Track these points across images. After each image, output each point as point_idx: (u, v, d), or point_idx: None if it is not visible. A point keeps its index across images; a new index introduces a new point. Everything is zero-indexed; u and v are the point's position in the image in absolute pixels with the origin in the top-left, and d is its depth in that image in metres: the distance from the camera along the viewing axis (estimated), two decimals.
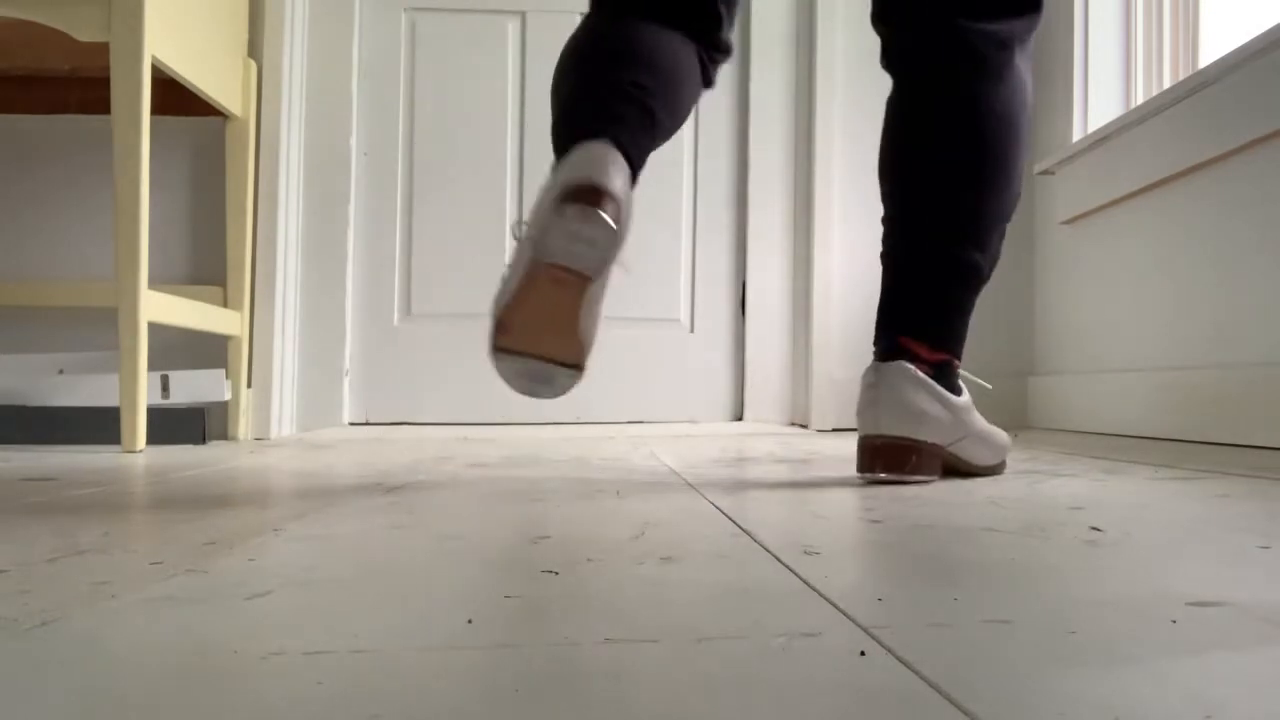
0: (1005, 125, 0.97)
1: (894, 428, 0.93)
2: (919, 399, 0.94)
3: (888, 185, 1.02)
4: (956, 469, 1.01)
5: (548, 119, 2.21)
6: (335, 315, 2.12)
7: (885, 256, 1.01)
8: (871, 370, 0.96)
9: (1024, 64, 1.00)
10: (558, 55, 2.20)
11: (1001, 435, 1.04)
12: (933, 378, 0.97)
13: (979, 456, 1.01)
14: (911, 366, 0.95)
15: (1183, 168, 1.61)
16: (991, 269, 1.01)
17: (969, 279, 0.99)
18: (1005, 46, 0.98)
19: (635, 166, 0.89)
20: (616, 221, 0.82)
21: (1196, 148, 1.57)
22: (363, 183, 2.18)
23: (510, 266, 0.86)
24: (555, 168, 0.87)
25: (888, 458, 0.93)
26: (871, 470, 0.94)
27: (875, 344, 1.00)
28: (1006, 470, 1.07)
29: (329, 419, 2.12)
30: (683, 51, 0.98)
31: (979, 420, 1.01)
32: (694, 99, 1.00)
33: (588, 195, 0.81)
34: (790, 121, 2.21)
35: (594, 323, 0.86)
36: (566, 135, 0.89)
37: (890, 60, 1.03)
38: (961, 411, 0.98)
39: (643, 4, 0.98)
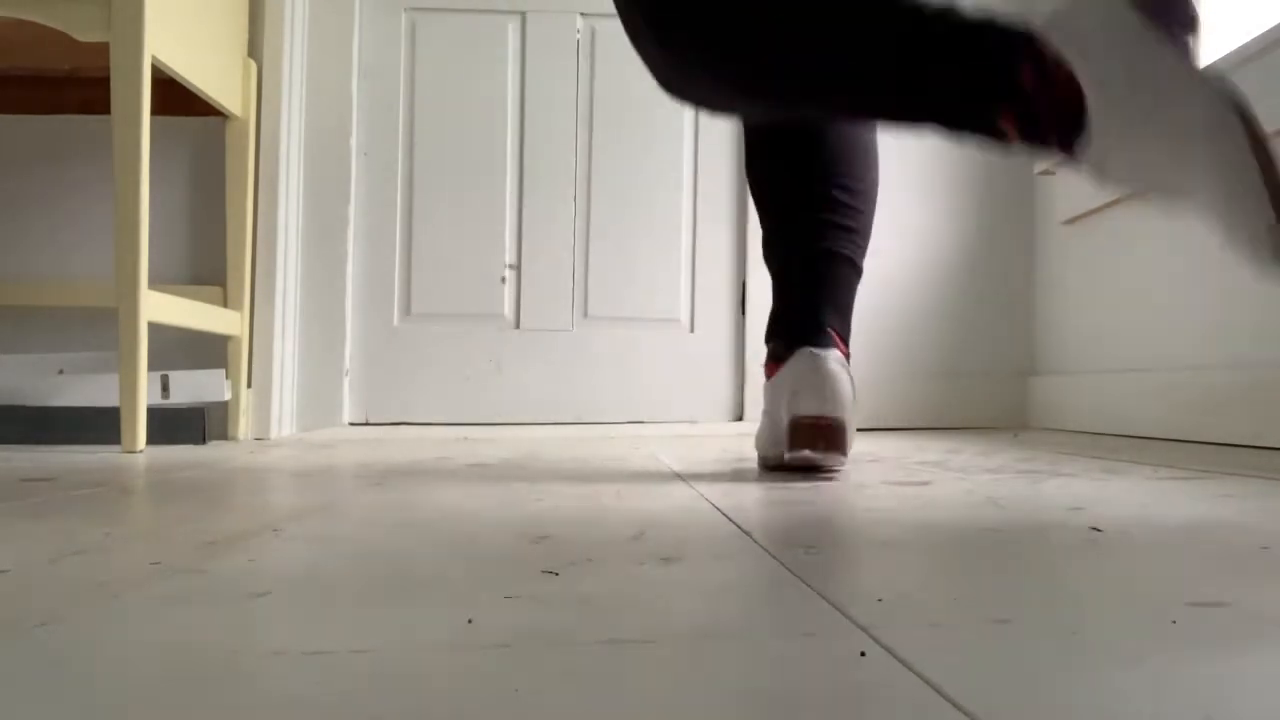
0: (876, 162, 1.19)
1: (837, 410, 0.97)
2: (846, 385, 1.01)
3: (833, 204, 1.14)
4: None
5: (548, 119, 2.21)
6: (335, 315, 2.12)
7: (823, 256, 1.12)
8: (812, 355, 1.00)
9: None
10: (557, 55, 2.18)
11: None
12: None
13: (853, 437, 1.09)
14: (839, 354, 1.04)
15: None
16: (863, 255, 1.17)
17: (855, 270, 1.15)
18: None
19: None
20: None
21: None
22: (363, 183, 2.18)
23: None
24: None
25: (831, 436, 0.96)
26: (813, 446, 0.96)
27: (799, 332, 1.05)
28: (1006, 470, 1.07)
29: (329, 419, 2.12)
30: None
31: None
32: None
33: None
34: None
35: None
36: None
37: None
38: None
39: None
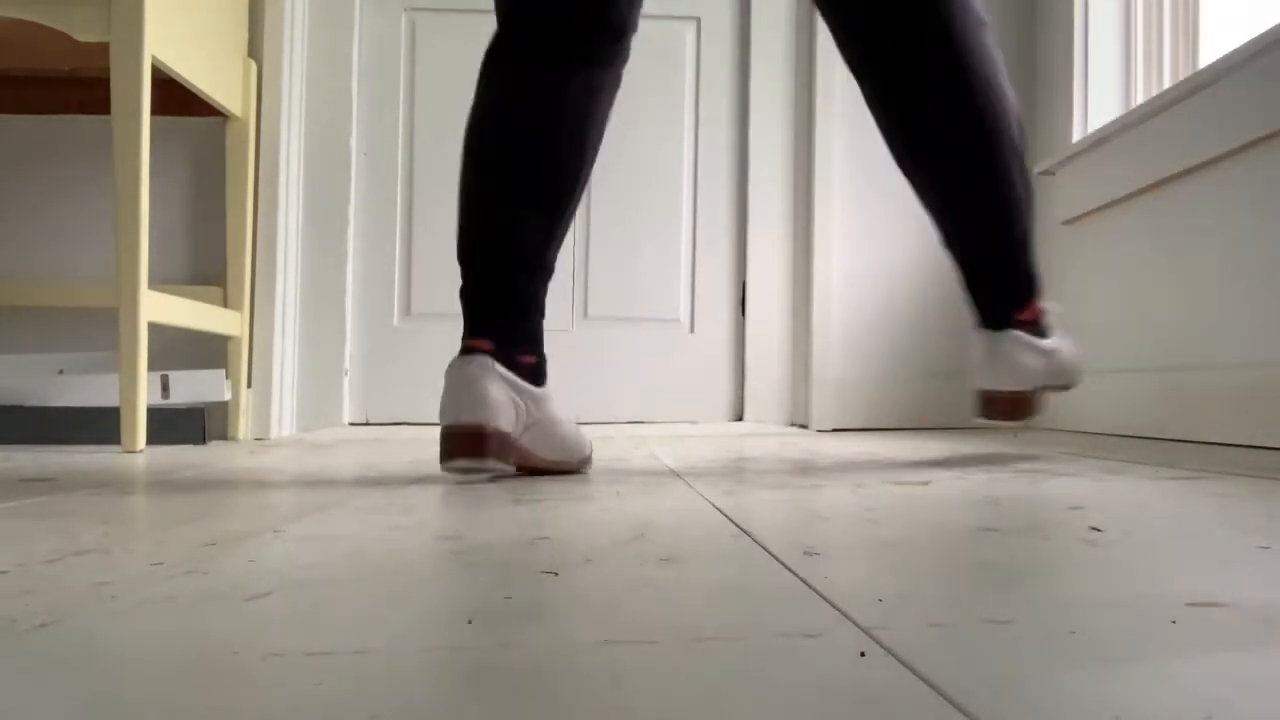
0: (990, 96, 1.08)
1: (1008, 383, 1.13)
2: (1028, 357, 1.15)
3: (917, 177, 1.14)
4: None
5: None
6: (335, 315, 2.12)
7: (957, 251, 1.16)
8: (985, 337, 1.15)
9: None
10: None
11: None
12: (1032, 332, 1.17)
13: (1055, 381, 1.21)
14: (1018, 333, 1.14)
15: (1183, 168, 1.61)
16: (1033, 212, 1.15)
17: (1019, 219, 1.13)
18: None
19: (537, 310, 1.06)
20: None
21: (1196, 148, 1.57)
22: (363, 183, 2.18)
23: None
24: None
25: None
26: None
27: (979, 316, 1.17)
28: (1006, 470, 1.07)
29: (329, 419, 2.12)
30: (590, 112, 1.06)
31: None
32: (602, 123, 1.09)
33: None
34: (790, 122, 2.21)
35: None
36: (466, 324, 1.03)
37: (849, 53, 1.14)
38: (1056, 356, 1.20)
39: (541, 55, 1.03)
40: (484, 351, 0.99)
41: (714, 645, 0.35)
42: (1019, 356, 1.13)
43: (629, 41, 1.09)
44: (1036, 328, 1.17)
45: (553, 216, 1.05)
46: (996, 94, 1.08)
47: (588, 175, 1.09)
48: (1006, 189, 1.09)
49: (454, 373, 0.98)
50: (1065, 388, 1.23)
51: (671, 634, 0.37)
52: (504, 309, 1.03)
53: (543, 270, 1.06)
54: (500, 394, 0.98)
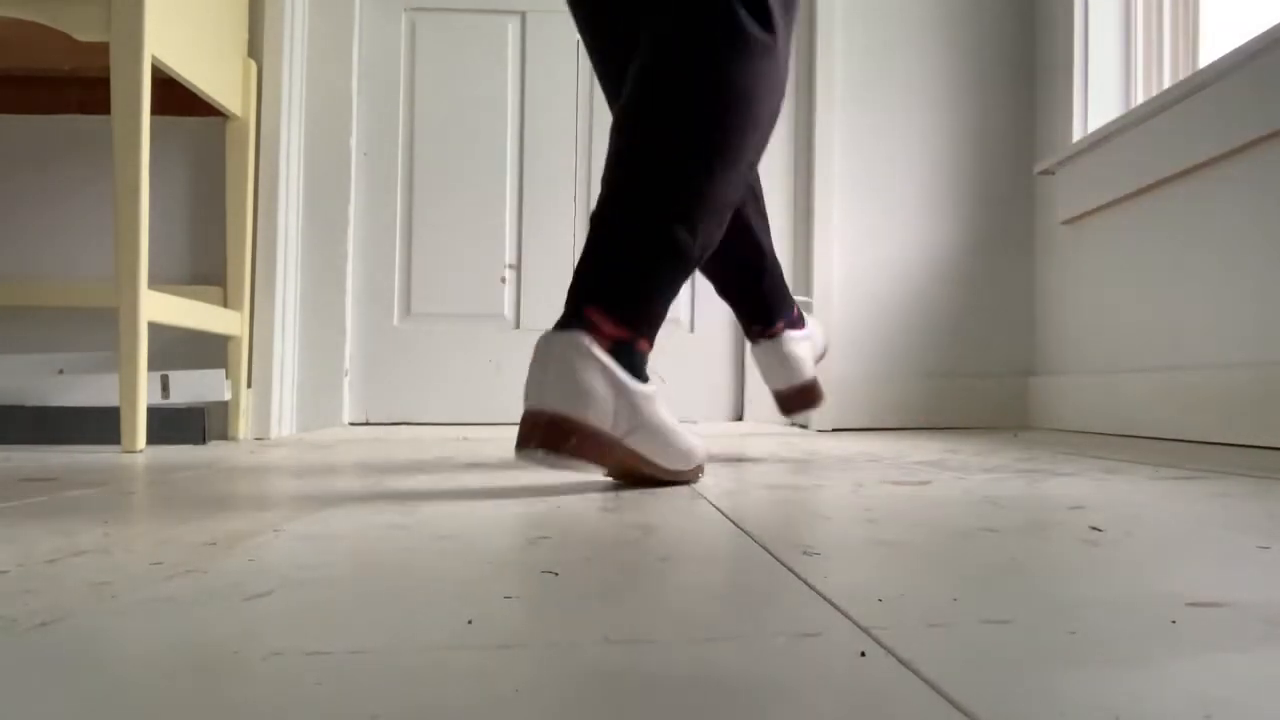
0: (744, 103, 0.90)
1: (557, 403, 0.82)
2: (587, 375, 0.83)
3: (613, 145, 0.92)
4: (633, 468, 0.89)
5: (548, 119, 2.21)
6: (335, 315, 2.12)
7: (594, 218, 0.90)
8: (544, 339, 0.85)
9: (784, 48, 0.95)
10: (557, 55, 2.19)
11: (692, 441, 0.94)
12: (611, 354, 0.85)
13: (656, 455, 0.89)
14: (586, 337, 0.84)
15: (1183, 168, 1.61)
16: (702, 256, 0.92)
17: (675, 260, 0.89)
18: (769, 28, 0.92)
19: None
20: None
21: (1196, 148, 1.57)
22: (363, 183, 2.18)
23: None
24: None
25: (546, 433, 0.81)
26: (527, 446, 0.82)
27: (567, 304, 0.88)
28: (1006, 470, 1.07)
29: (329, 419, 2.12)
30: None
31: (661, 414, 0.89)
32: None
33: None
34: (790, 121, 2.21)
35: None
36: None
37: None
38: (636, 398, 0.86)
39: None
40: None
41: (714, 645, 0.35)
42: (576, 366, 0.82)
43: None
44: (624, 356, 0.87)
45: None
46: (735, 153, 0.91)
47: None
48: (678, 233, 0.89)
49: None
50: (665, 473, 0.91)
51: (671, 634, 0.37)
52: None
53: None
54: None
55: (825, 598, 0.42)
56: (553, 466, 0.84)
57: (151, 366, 1.88)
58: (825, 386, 2.15)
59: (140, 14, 1.46)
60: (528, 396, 0.84)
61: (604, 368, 0.84)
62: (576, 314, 0.85)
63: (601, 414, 0.83)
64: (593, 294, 0.86)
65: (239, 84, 1.89)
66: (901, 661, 0.32)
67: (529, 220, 2.21)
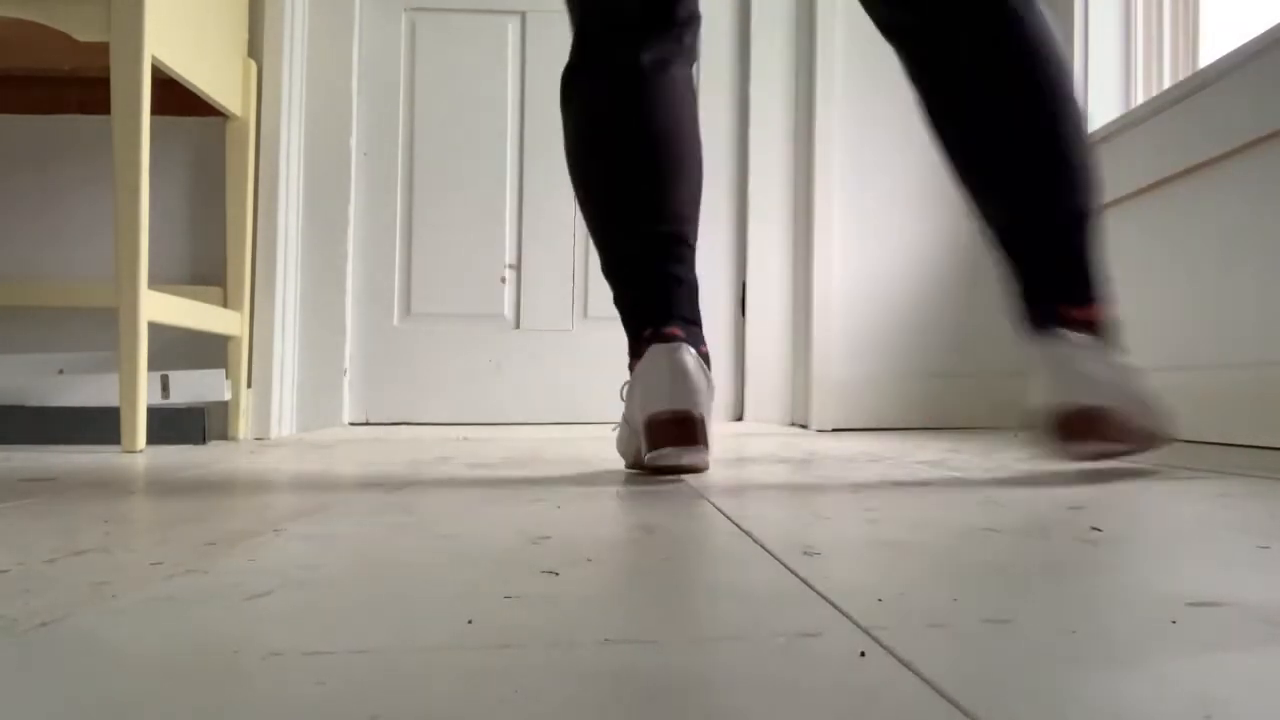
0: (1047, 52, 0.93)
1: (1086, 395, 0.87)
2: (703, 379, 0.97)
3: (961, 162, 0.97)
4: (1138, 436, 0.91)
5: (547, 119, 2.21)
6: (335, 315, 2.12)
7: (1000, 232, 0.96)
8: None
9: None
10: (557, 55, 2.19)
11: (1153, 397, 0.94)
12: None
13: (1142, 417, 0.91)
14: (1078, 335, 0.91)
15: (1182, 168, 1.61)
16: (1099, 193, 0.97)
17: (1086, 219, 0.94)
18: None
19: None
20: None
21: (1196, 148, 1.57)
22: (363, 183, 2.18)
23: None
24: (636, 372, 0.99)
25: (1094, 426, 0.87)
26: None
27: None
28: (1007, 470, 1.06)
29: (329, 419, 2.12)
30: (687, 99, 1.08)
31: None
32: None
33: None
34: (790, 121, 2.21)
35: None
36: (635, 323, 1.03)
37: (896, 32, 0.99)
38: (1137, 378, 0.93)
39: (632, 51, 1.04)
40: (681, 339, 0.97)
41: (714, 645, 0.35)
42: (1085, 363, 0.88)
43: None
44: (1100, 335, 0.93)
45: (698, 193, 1.08)
46: (1065, 100, 0.94)
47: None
48: (1073, 199, 0.93)
49: (663, 358, 0.94)
50: (1149, 440, 0.92)
51: (671, 634, 0.37)
52: (684, 296, 1.03)
53: (693, 253, 1.07)
54: (704, 383, 0.96)
55: (825, 598, 0.42)
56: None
57: (151, 366, 1.88)
58: (825, 386, 2.15)
59: (140, 14, 1.46)
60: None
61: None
62: (1053, 314, 0.94)
63: (1113, 394, 0.90)
64: (1056, 293, 0.95)
65: (239, 84, 1.89)
66: (901, 661, 0.32)
67: (529, 220, 2.21)
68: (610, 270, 1.09)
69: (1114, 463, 1.02)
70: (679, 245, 1.06)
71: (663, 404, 0.93)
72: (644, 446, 0.94)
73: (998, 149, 0.94)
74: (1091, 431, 0.87)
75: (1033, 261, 0.95)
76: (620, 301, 1.08)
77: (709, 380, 0.97)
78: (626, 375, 1.07)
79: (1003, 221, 0.96)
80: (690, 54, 1.10)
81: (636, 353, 1.03)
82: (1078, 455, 0.90)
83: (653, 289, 1.03)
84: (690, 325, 1.03)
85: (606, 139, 1.06)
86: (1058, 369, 0.89)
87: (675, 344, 0.96)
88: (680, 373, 0.94)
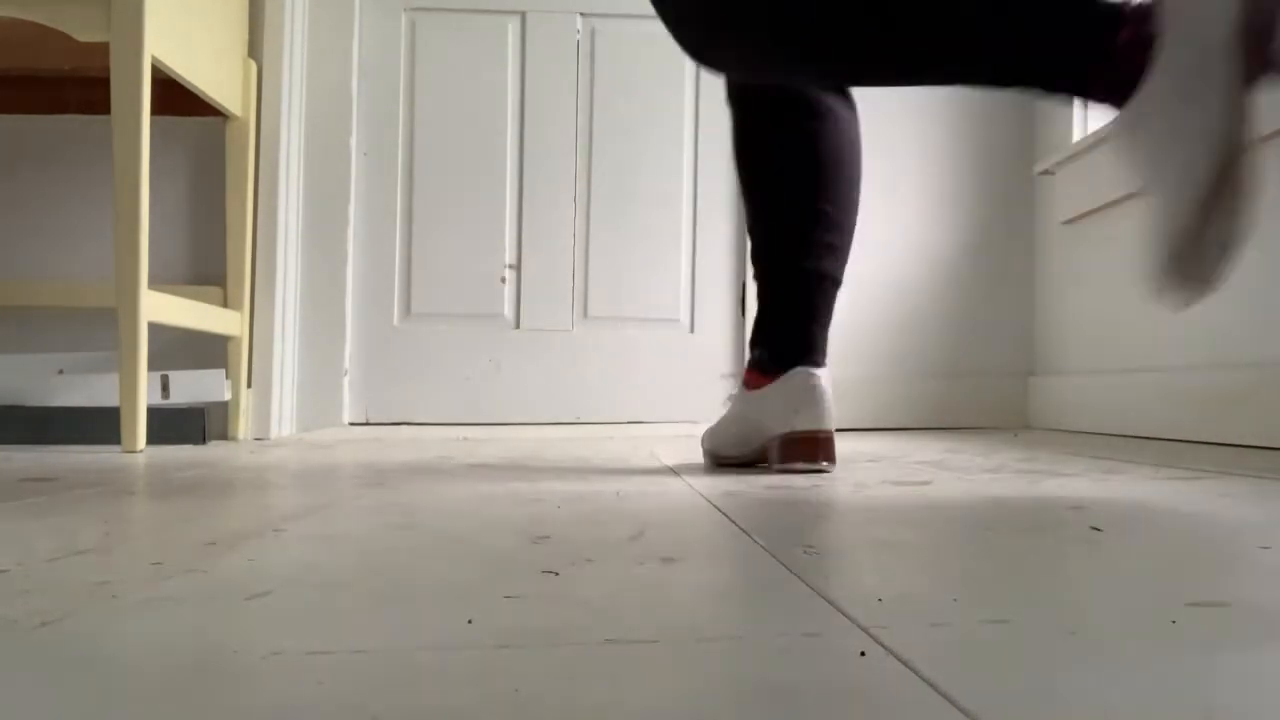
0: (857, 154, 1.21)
1: (832, 424, 1.08)
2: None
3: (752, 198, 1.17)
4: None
5: (548, 119, 2.21)
6: (335, 315, 2.12)
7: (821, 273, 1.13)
8: (810, 375, 1.09)
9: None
10: (557, 55, 2.17)
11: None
12: None
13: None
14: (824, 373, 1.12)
15: None
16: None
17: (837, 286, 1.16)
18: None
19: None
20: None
21: None
22: (363, 183, 2.18)
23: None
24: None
25: (829, 449, 1.07)
26: (814, 460, 1.06)
27: (796, 352, 1.11)
28: (1007, 470, 1.07)
29: (329, 419, 2.12)
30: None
31: None
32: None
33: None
34: None
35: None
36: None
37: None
38: None
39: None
40: (824, 367, 1.11)
41: (714, 645, 0.35)
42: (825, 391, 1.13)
43: None
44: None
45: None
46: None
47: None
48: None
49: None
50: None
51: (671, 634, 0.37)
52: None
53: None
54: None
55: (825, 598, 0.42)
56: (821, 469, 1.07)
57: (151, 366, 1.88)
58: (854, 390, 2.15)
59: (140, 14, 1.46)
60: (804, 422, 1.07)
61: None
62: (820, 356, 1.11)
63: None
64: (822, 341, 1.12)
65: (239, 84, 1.89)
66: (901, 661, 0.32)
67: (529, 220, 2.21)
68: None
69: (1114, 462, 1.02)
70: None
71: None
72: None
73: (787, 216, 1.13)
74: (829, 452, 1.07)
75: (802, 306, 1.12)
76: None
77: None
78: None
79: (781, 267, 1.13)
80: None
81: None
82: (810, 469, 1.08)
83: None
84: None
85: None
86: (824, 396, 1.08)
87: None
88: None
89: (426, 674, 0.32)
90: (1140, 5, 0.75)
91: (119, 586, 0.45)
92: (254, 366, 1.98)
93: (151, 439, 1.61)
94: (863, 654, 0.33)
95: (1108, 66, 0.75)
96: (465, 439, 1.84)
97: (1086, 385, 1.94)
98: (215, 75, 1.77)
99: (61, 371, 1.84)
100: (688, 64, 2.25)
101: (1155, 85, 0.72)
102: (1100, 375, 1.89)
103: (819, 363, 1.10)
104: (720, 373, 2.23)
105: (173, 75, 1.61)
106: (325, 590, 0.45)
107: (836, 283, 1.14)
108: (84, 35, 1.47)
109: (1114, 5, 0.77)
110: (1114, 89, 0.76)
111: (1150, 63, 0.72)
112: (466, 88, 2.20)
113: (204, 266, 2.00)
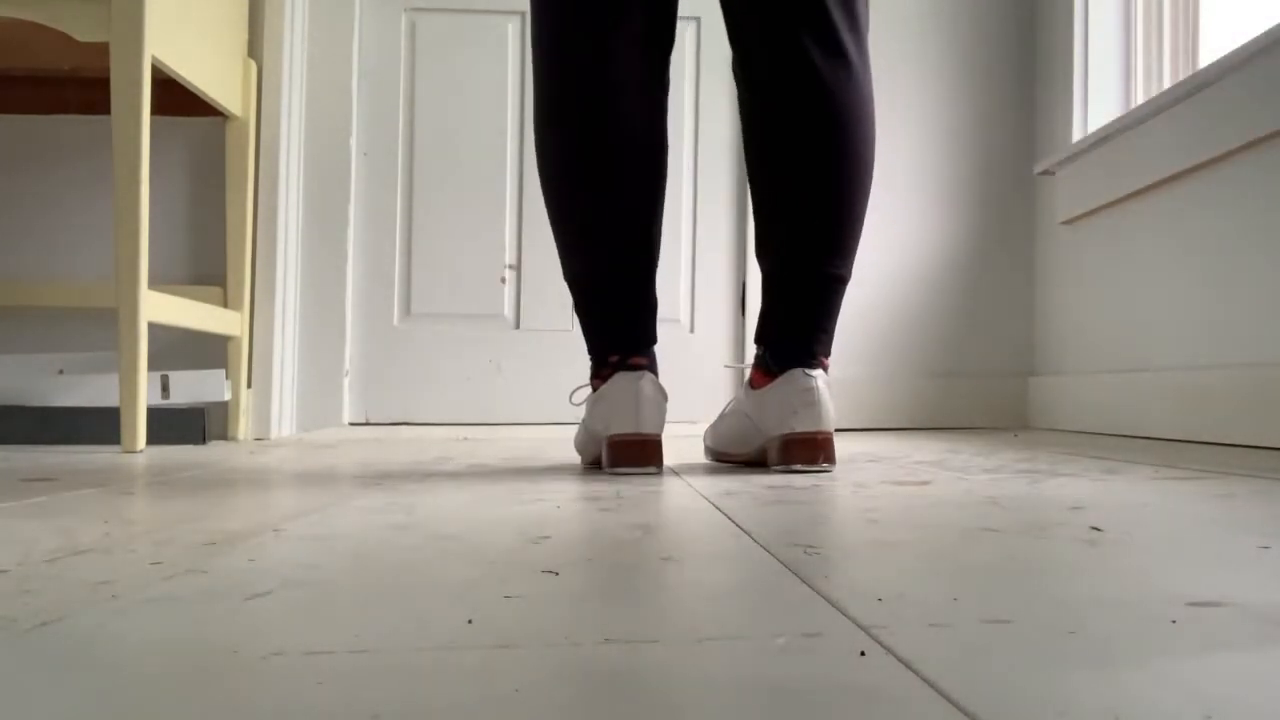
0: (853, 123, 1.09)
1: (829, 425, 1.08)
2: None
3: (765, 200, 1.12)
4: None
5: None
6: (335, 315, 2.12)
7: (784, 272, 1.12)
8: (809, 377, 1.08)
9: (864, 57, 1.11)
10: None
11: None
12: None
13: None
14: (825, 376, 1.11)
15: (1182, 168, 1.61)
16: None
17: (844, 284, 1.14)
18: (844, 57, 1.08)
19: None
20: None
21: (1196, 148, 1.57)
22: (363, 183, 2.18)
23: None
24: (597, 392, 1.10)
25: (829, 450, 1.07)
26: (814, 462, 1.06)
27: (808, 352, 1.10)
28: (1007, 470, 1.07)
29: (329, 419, 2.12)
30: (656, 96, 1.19)
31: None
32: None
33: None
34: None
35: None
36: (601, 343, 1.12)
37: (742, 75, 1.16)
38: None
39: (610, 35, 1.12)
40: (644, 368, 1.10)
41: (714, 645, 0.35)
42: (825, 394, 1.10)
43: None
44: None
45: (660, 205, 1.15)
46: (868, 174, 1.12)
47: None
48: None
49: (629, 387, 1.08)
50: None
51: (671, 634, 0.37)
52: (650, 320, 1.13)
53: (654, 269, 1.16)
54: (662, 406, 1.10)
55: (825, 598, 0.42)
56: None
57: (151, 366, 1.88)
58: (854, 390, 2.15)
59: (140, 14, 1.46)
60: (813, 422, 1.06)
61: (662, 391, 1.12)
62: (819, 359, 1.10)
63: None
64: (826, 343, 1.11)
65: (239, 84, 1.89)
66: (901, 661, 0.32)
67: (529, 220, 2.21)
68: (576, 282, 1.14)
69: (1114, 462, 1.02)
70: (651, 266, 1.13)
71: (627, 427, 1.07)
72: (606, 459, 1.08)
73: (794, 201, 1.09)
74: (830, 453, 1.07)
75: (804, 307, 1.10)
76: (585, 315, 1.14)
77: (664, 396, 1.11)
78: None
79: (784, 266, 1.11)
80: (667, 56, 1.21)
81: (600, 373, 1.12)
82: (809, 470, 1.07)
83: (622, 315, 1.12)
84: (650, 348, 1.14)
85: (598, 146, 1.11)
86: (821, 399, 1.08)
87: (640, 373, 1.09)
88: (644, 400, 1.08)
89: (426, 674, 0.32)
90: None
91: (119, 586, 0.45)
92: (254, 366, 1.98)
93: (151, 439, 1.61)
94: (863, 654, 0.33)
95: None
96: (465, 439, 1.84)
97: (1086, 385, 1.94)
98: (215, 75, 1.77)
99: (61, 371, 1.84)
100: (687, 64, 2.25)
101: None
102: (1100, 375, 1.89)
103: (817, 363, 1.09)
104: (723, 362, 2.23)
105: (173, 75, 1.61)
106: (325, 590, 0.45)
107: (842, 280, 1.11)
108: (84, 35, 1.47)
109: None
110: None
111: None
112: (466, 88, 2.20)
113: (204, 267, 2.00)
